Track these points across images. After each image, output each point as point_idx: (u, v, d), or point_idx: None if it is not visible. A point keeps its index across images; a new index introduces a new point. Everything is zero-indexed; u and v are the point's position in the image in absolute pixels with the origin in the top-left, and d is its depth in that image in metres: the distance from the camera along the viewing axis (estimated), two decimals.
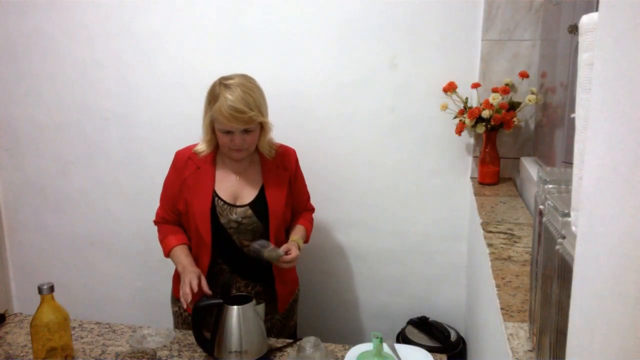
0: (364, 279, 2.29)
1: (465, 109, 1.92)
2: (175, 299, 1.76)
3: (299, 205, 1.76)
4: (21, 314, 1.75)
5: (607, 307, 0.43)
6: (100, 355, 1.48)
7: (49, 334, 1.34)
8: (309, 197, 1.83)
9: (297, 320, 1.90)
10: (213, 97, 1.52)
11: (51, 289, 1.34)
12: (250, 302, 1.40)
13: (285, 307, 1.76)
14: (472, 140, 2.05)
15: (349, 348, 1.46)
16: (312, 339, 1.36)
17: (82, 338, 1.58)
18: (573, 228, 0.59)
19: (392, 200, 2.17)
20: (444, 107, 1.93)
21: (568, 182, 0.75)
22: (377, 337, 1.32)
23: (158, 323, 1.77)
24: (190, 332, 1.52)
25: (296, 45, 2.08)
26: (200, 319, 1.42)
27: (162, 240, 1.67)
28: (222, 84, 1.52)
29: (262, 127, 1.58)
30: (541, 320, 0.77)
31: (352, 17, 2.02)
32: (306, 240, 1.75)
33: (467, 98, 1.96)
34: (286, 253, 1.55)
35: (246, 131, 1.53)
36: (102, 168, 2.34)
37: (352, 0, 2.00)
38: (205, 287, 1.49)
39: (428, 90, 2.01)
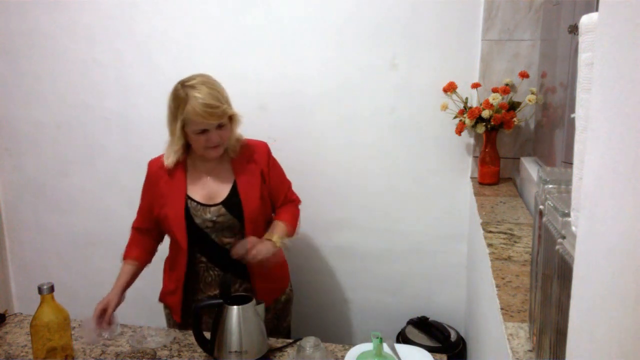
0: (364, 279, 2.29)
1: (465, 109, 1.92)
2: (164, 304, 1.78)
3: (278, 198, 1.74)
4: (21, 314, 1.75)
5: (607, 307, 0.43)
6: (100, 355, 1.48)
7: (49, 334, 1.33)
8: (289, 187, 1.79)
9: (294, 320, 1.89)
10: (180, 100, 1.52)
11: (51, 289, 1.34)
12: (250, 302, 1.40)
13: (269, 303, 1.71)
14: (472, 140, 2.05)
15: (349, 348, 1.46)
16: (312, 339, 1.36)
17: (82, 338, 1.58)
18: (573, 228, 0.59)
19: (392, 200, 2.17)
20: (444, 107, 1.93)
21: (568, 182, 0.75)
22: (377, 337, 1.32)
23: (158, 323, 1.77)
24: (190, 332, 1.52)
25: (296, 46, 2.08)
26: (200, 319, 1.42)
27: (125, 249, 1.74)
28: (185, 85, 1.53)
29: (231, 120, 1.59)
30: (541, 320, 0.77)
31: (353, 17, 2.02)
32: (291, 234, 1.71)
33: (467, 98, 1.96)
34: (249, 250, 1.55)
35: (220, 126, 1.54)
36: (102, 168, 2.34)
37: (352, 1, 2.00)
38: (106, 318, 1.55)
39: (428, 90, 2.01)
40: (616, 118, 0.42)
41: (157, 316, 2.44)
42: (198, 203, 1.61)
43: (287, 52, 2.08)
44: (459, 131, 1.94)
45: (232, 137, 1.62)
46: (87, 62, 2.24)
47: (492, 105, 1.85)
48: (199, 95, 1.49)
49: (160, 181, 1.64)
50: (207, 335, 1.44)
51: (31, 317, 1.35)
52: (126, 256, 1.72)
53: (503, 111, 1.86)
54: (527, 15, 1.88)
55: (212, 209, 1.61)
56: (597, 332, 0.45)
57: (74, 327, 1.62)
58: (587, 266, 0.49)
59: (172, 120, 1.56)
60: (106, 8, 2.16)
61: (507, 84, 1.92)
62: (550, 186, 0.77)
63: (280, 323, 1.80)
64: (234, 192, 1.63)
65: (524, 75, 1.88)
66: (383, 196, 2.17)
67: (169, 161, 1.61)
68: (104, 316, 1.56)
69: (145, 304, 2.45)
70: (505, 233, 1.46)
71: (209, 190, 1.63)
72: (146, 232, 1.72)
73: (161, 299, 1.77)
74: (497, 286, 1.13)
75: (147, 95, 2.22)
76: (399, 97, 2.06)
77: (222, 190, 1.63)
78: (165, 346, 1.51)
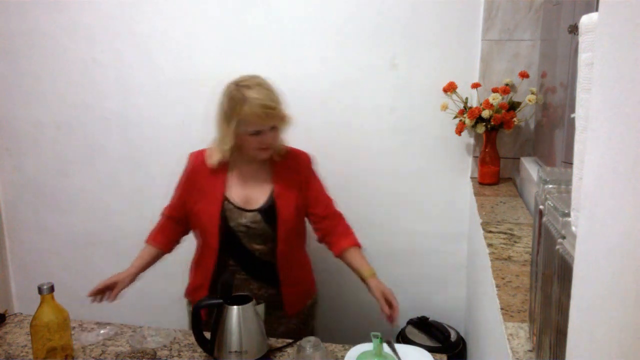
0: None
1: (465, 109, 1.92)
2: (188, 301, 1.77)
3: (315, 211, 1.68)
4: (21, 314, 1.75)
5: (607, 307, 0.43)
6: (100, 355, 1.48)
7: (49, 334, 1.33)
8: (330, 201, 1.72)
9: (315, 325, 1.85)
10: (236, 101, 1.49)
11: (51, 289, 1.34)
12: (250, 302, 1.40)
13: (296, 310, 1.71)
14: (472, 140, 2.05)
15: (349, 348, 1.46)
16: (312, 339, 1.36)
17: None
18: (573, 228, 0.59)
19: (392, 200, 2.17)
20: (444, 107, 1.93)
21: (568, 182, 0.75)
22: (377, 337, 1.32)
23: (158, 323, 1.77)
24: (190, 332, 1.52)
25: (296, 46, 2.08)
26: (200, 319, 1.42)
27: (152, 231, 1.74)
28: (240, 86, 1.51)
29: (283, 122, 1.57)
30: (541, 320, 0.77)
31: (353, 17, 2.02)
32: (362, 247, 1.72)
33: (467, 98, 1.96)
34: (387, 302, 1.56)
35: (273, 128, 1.53)
36: (102, 168, 2.34)
37: (352, 1, 2.00)
38: (114, 292, 1.59)
39: (428, 90, 2.01)
40: (616, 118, 0.42)
41: (157, 316, 2.44)
42: (234, 206, 1.60)
43: (287, 52, 2.08)
44: (459, 131, 1.94)
45: (280, 140, 1.60)
46: (87, 62, 2.24)
47: (492, 105, 1.85)
48: (257, 96, 1.47)
49: (199, 176, 1.63)
50: (207, 335, 1.44)
51: (31, 317, 1.35)
52: (150, 240, 1.71)
53: (503, 111, 1.86)
54: (527, 15, 1.88)
55: (248, 214, 1.60)
56: (597, 332, 0.45)
57: (74, 327, 1.62)
58: (587, 266, 0.49)
59: (225, 121, 1.53)
60: (106, 8, 2.16)
61: (507, 84, 1.92)
62: (550, 186, 0.77)
63: (304, 327, 1.75)
64: (271, 199, 1.61)
65: (524, 75, 1.88)
66: (383, 196, 2.17)
67: (213, 159, 1.60)
68: (111, 288, 1.57)
69: (145, 304, 2.46)
70: (505, 233, 1.46)
71: (247, 194, 1.62)
72: (176, 221, 1.71)
73: (186, 295, 1.77)
74: (497, 286, 1.13)
75: (147, 95, 2.22)
76: (399, 97, 2.05)
77: (259, 196, 1.62)
78: (165, 346, 1.51)
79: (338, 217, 1.73)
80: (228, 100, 1.52)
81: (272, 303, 1.62)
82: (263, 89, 1.50)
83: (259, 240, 1.61)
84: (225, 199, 1.60)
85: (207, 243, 1.62)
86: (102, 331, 1.59)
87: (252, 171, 1.64)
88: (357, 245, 1.69)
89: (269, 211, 1.60)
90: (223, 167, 1.63)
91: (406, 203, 2.16)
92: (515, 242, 1.39)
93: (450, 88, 1.92)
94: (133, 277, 1.64)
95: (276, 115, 1.50)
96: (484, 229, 1.50)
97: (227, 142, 1.55)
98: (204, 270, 1.65)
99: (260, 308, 1.44)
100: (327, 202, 1.72)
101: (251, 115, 1.48)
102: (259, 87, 1.50)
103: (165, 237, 1.71)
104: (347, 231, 1.71)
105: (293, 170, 1.65)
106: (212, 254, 1.61)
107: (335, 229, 1.70)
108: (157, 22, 2.14)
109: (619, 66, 0.42)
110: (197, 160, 1.66)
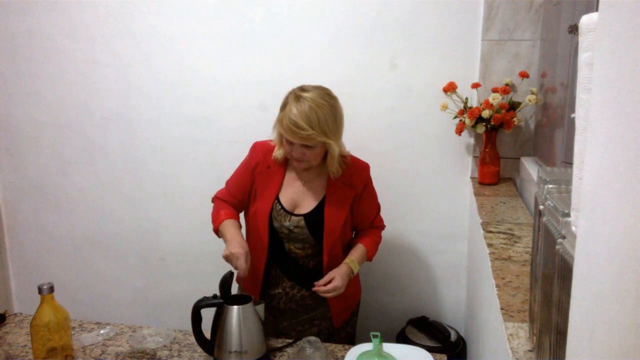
0: (364, 278, 2.28)
1: (465, 109, 1.92)
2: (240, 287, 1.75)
3: (362, 223, 1.71)
4: (21, 314, 1.75)
5: (607, 307, 0.43)
6: (100, 355, 1.48)
7: (49, 334, 1.33)
8: (377, 214, 1.74)
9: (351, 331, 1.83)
10: (283, 106, 1.51)
11: (51, 289, 1.34)
12: (250, 302, 1.40)
13: (341, 323, 1.73)
14: (472, 140, 2.05)
15: (349, 348, 1.46)
16: (312, 339, 1.36)
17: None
18: (573, 228, 0.59)
19: (391, 200, 2.17)
20: (444, 107, 1.93)
21: (568, 182, 0.75)
22: (377, 337, 1.32)
23: (158, 323, 1.77)
24: (190, 332, 1.52)
25: (295, 46, 2.08)
26: (200, 319, 1.42)
27: (214, 214, 1.66)
28: (295, 94, 1.50)
29: (325, 145, 1.52)
30: (541, 320, 0.77)
31: (353, 16, 2.02)
32: (369, 260, 1.71)
33: (467, 98, 1.96)
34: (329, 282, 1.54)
35: (306, 146, 1.50)
36: (102, 168, 2.34)
37: (352, 0, 2.00)
38: (243, 269, 1.46)
39: (428, 90, 2.01)
40: (616, 118, 0.42)
41: (157, 316, 2.44)
42: (282, 207, 1.61)
43: (287, 52, 2.08)
44: (459, 131, 1.94)
45: (331, 161, 1.56)
46: (87, 62, 2.24)
47: (492, 105, 1.85)
48: (294, 110, 1.45)
49: (258, 168, 1.64)
50: (207, 334, 1.44)
51: (31, 317, 1.35)
52: (221, 218, 1.61)
53: (503, 111, 1.86)
54: (527, 15, 1.88)
55: (293, 218, 1.60)
56: (597, 332, 0.45)
57: (74, 327, 1.62)
58: (587, 266, 0.49)
59: (276, 121, 1.54)
60: (106, 8, 2.16)
61: (507, 84, 1.92)
62: (550, 186, 0.77)
63: (338, 334, 1.74)
64: (319, 208, 1.61)
65: (524, 75, 1.88)
66: (382, 196, 2.16)
67: (276, 153, 1.61)
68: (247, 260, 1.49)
69: (145, 304, 2.46)
70: (505, 233, 1.46)
71: (298, 198, 1.62)
72: (230, 203, 1.68)
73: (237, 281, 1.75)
74: (497, 286, 1.13)
75: (147, 95, 2.22)
76: (399, 97, 2.05)
77: (309, 203, 1.62)
78: (165, 346, 1.51)
79: (380, 228, 1.77)
80: (282, 102, 1.53)
81: (259, 300, 1.62)
82: (306, 105, 1.45)
83: (298, 245, 1.62)
84: (277, 199, 1.61)
85: (259, 240, 1.62)
86: (102, 331, 1.59)
87: (308, 177, 1.63)
88: (368, 249, 1.68)
89: (314, 219, 1.60)
90: (282, 166, 1.64)
91: (406, 203, 2.16)
92: (515, 242, 1.39)
93: (450, 88, 1.92)
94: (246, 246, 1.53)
95: (302, 136, 1.45)
96: (484, 229, 1.50)
97: (277, 140, 1.59)
98: (257, 262, 1.63)
99: (260, 308, 1.44)
100: (375, 216, 1.74)
101: (280, 124, 1.49)
102: (307, 102, 1.46)
103: (230, 212, 1.64)
104: (372, 237, 1.72)
105: (348, 184, 1.62)
106: (263, 249, 1.62)
107: (366, 231, 1.73)
108: (156, 22, 2.14)
109: (619, 66, 0.42)
110: (261, 151, 1.66)
